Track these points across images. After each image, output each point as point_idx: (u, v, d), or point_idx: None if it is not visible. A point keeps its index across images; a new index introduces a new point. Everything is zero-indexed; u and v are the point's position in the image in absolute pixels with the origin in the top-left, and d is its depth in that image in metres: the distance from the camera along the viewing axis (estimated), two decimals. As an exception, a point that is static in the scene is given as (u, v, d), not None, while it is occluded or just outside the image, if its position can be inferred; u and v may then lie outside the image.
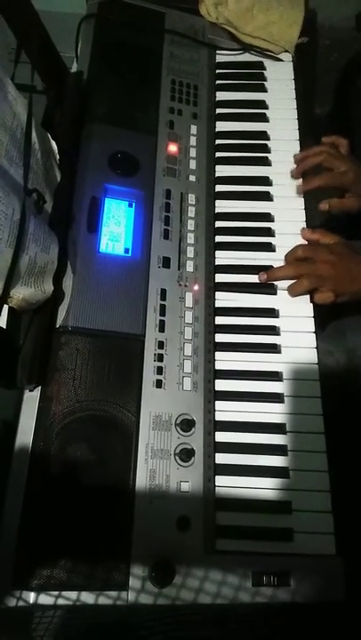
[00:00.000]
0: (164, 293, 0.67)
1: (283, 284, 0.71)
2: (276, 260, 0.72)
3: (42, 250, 0.58)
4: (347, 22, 1.17)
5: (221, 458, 0.61)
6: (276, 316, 0.69)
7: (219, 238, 0.74)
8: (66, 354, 0.61)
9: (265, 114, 0.83)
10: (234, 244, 0.73)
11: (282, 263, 0.72)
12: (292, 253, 0.71)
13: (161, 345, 0.64)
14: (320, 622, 0.61)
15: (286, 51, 0.88)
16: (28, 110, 0.60)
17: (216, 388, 0.65)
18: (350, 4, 1.13)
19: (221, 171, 0.78)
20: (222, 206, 0.76)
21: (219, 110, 0.83)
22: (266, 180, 0.78)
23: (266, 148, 0.80)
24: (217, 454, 0.62)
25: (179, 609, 0.56)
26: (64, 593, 0.52)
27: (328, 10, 1.11)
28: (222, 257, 0.73)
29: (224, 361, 0.66)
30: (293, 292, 0.69)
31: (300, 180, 0.78)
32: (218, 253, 0.73)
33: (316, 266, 0.68)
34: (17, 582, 0.52)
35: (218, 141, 0.80)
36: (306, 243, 0.73)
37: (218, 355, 0.67)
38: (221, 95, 0.84)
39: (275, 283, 0.71)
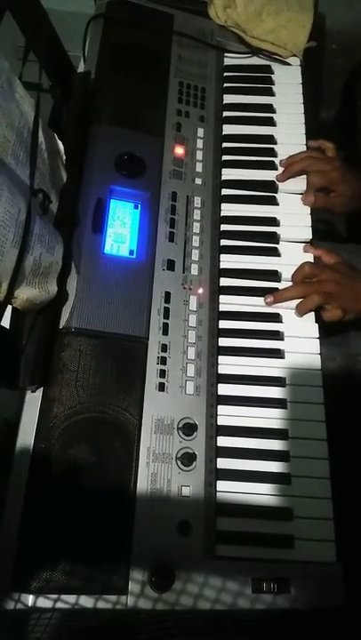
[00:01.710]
0: (168, 296, 0.67)
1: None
2: (280, 264, 0.72)
3: (47, 250, 0.57)
4: (354, 27, 1.17)
5: (223, 463, 0.61)
6: (280, 321, 0.69)
7: (224, 242, 0.73)
8: (69, 355, 0.60)
9: (272, 118, 0.83)
10: (239, 247, 0.73)
11: (286, 268, 0.72)
12: (299, 271, 0.70)
13: (164, 348, 0.64)
14: (319, 629, 0.60)
15: (294, 55, 0.88)
16: (35, 110, 0.60)
17: (219, 393, 0.64)
18: (358, 8, 1.13)
19: (228, 174, 0.78)
20: (228, 210, 0.76)
21: (226, 113, 0.83)
22: (272, 185, 0.77)
23: (273, 152, 0.80)
24: (219, 459, 0.61)
25: (178, 614, 0.56)
26: (63, 596, 0.52)
27: (335, 14, 1.11)
28: (227, 260, 0.72)
29: (227, 365, 0.66)
30: (303, 309, 0.68)
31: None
32: (223, 257, 0.72)
33: (322, 285, 0.68)
34: (16, 585, 0.52)
35: (225, 144, 0.80)
36: (309, 259, 0.72)
37: (221, 359, 0.66)
38: (229, 98, 0.84)
39: (280, 288, 0.70)
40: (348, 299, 0.68)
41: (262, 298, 0.70)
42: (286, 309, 0.70)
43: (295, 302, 0.69)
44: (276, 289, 0.71)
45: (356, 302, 0.68)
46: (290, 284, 0.71)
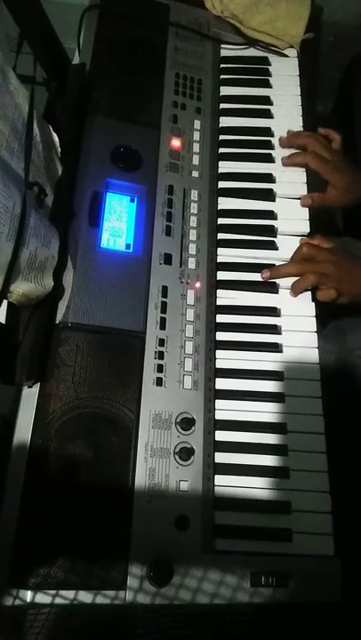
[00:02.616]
0: (165, 290, 0.66)
1: (285, 283, 0.70)
2: (278, 258, 0.72)
3: (42, 244, 0.57)
4: (352, 19, 1.16)
5: (221, 457, 0.61)
6: (278, 315, 0.69)
7: (221, 235, 0.73)
8: (65, 350, 0.60)
9: (269, 110, 0.82)
10: (236, 241, 0.73)
11: (284, 261, 0.71)
12: (297, 251, 0.71)
13: (162, 342, 0.63)
14: (317, 623, 0.61)
15: (292, 46, 0.87)
16: (29, 102, 0.59)
17: (216, 387, 0.64)
18: (355, 0, 1.13)
19: (225, 167, 0.77)
20: (225, 203, 0.75)
21: (223, 105, 0.82)
22: (269, 177, 0.77)
23: (270, 145, 0.79)
24: (217, 453, 0.61)
25: (176, 608, 0.56)
26: (61, 592, 0.52)
27: (332, 6, 1.10)
28: (224, 254, 0.72)
29: (225, 359, 0.66)
30: (298, 287, 0.69)
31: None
32: (220, 251, 0.72)
33: (319, 265, 0.68)
34: (14, 580, 0.51)
35: (221, 137, 0.79)
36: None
37: (219, 353, 0.66)
38: (226, 90, 0.83)
39: (277, 281, 0.70)
40: (344, 281, 0.68)
41: (260, 292, 0.70)
42: (284, 302, 0.69)
43: (294, 301, 0.70)
44: (274, 282, 0.70)
45: (352, 285, 0.69)
46: (287, 280, 0.70)
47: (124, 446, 0.58)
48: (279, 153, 0.79)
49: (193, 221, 0.72)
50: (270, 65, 0.86)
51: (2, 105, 0.55)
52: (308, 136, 0.79)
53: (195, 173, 0.75)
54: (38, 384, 0.59)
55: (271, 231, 0.74)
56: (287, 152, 0.79)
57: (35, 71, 0.62)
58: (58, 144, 0.68)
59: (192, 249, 0.70)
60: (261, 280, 0.70)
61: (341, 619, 0.59)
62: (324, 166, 0.76)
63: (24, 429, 0.57)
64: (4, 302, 0.54)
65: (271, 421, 0.63)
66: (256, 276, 0.71)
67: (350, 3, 1.13)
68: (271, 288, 0.70)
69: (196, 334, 0.65)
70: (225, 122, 0.81)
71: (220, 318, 0.68)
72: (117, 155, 0.71)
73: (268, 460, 0.61)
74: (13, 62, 0.60)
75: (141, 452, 0.58)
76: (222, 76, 0.84)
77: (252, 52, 0.87)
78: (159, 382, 0.62)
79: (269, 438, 0.62)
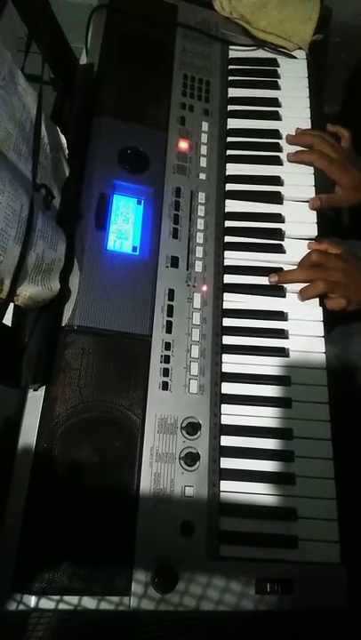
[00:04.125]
0: (171, 294, 0.66)
1: (292, 287, 0.70)
2: (285, 262, 0.71)
3: (49, 247, 0.56)
4: (358, 20, 1.15)
5: (227, 462, 0.61)
6: (285, 319, 0.69)
7: (228, 238, 0.72)
8: (71, 353, 0.60)
9: (278, 112, 0.81)
10: (243, 244, 0.72)
11: (292, 267, 0.71)
12: (306, 258, 0.70)
13: (168, 346, 0.63)
14: (323, 631, 0.60)
15: (300, 48, 0.87)
16: (37, 102, 0.59)
17: (223, 392, 0.64)
18: (362, 1, 1.12)
19: (232, 169, 0.77)
20: (232, 206, 0.74)
21: (231, 107, 0.81)
22: (277, 180, 0.76)
23: (278, 147, 0.79)
24: (222, 459, 0.61)
25: (180, 615, 0.56)
26: (65, 597, 0.51)
27: (339, 7, 1.09)
28: (231, 257, 0.71)
29: (231, 364, 0.65)
30: (306, 294, 0.68)
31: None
32: (227, 254, 0.71)
33: (328, 272, 0.68)
34: (18, 585, 0.51)
35: (229, 139, 0.79)
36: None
37: (225, 357, 0.66)
38: (234, 92, 0.83)
39: (284, 285, 0.70)
40: (353, 289, 0.68)
41: (267, 296, 0.69)
42: (291, 306, 0.69)
43: (301, 305, 0.69)
44: (281, 286, 0.70)
45: (360, 292, 0.68)
46: (294, 284, 0.70)
47: (129, 451, 0.57)
48: (289, 135, 0.79)
49: (200, 224, 0.71)
50: (279, 66, 0.85)
51: (10, 106, 0.55)
52: (315, 135, 0.78)
53: (202, 175, 0.75)
54: (44, 387, 0.58)
55: (279, 234, 0.73)
56: (294, 149, 0.78)
57: (43, 71, 0.62)
58: (65, 145, 0.68)
59: (199, 252, 0.70)
60: (269, 284, 0.70)
61: (347, 627, 0.59)
62: (330, 165, 0.75)
63: (29, 433, 0.56)
64: (11, 305, 0.54)
65: (278, 427, 0.63)
66: (263, 280, 0.70)
67: (358, 4, 1.12)
68: (278, 292, 0.70)
69: (203, 338, 0.65)
70: (233, 124, 0.80)
71: (227, 322, 0.68)
72: (124, 156, 0.70)
73: (275, 466, 0.61)
74: (21, 62, 0.60)
75: (147, 457, 0.58)
76: (230, 78, 0.84)
77: (260, 53, 0.87)
78: (165, 386, 0.61)
79: (276, 444, 0.62)
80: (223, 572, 0.55)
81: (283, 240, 0.73)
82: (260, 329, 0.68)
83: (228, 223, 0.73)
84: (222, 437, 0.62)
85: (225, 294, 0.69)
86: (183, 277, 0.67)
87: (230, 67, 0.85)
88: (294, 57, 0.87)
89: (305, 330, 0.68)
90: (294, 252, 0.72)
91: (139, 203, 0.70)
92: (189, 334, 0.65)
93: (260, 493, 0.60)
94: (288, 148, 0.79)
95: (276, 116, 0.81)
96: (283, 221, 0.74)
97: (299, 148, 0.78)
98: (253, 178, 0.76)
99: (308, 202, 0.75)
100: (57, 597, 0.51)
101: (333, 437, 0.62)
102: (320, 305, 0.69)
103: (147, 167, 0.71)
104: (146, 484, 0.56)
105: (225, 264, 0.71)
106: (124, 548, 0.54)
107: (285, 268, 0.71)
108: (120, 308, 0.63)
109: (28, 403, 0.58)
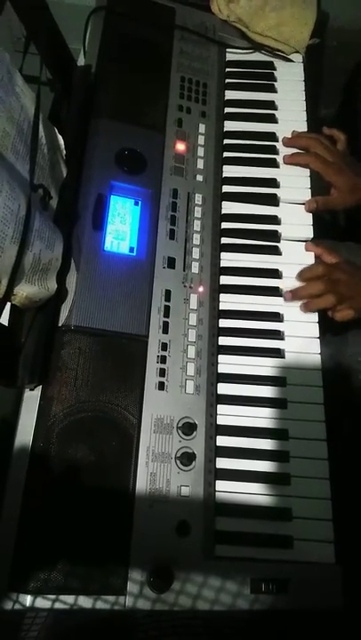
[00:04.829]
0: (168, 294, 0.66)
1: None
2: (281, 263, 0.72)
3: (46, 247, 0.56)
4: (355, 24, 1.16)
5: (222, 463, 0.61)
6: (281, 321, 0.69)
7: (225, 240, 0.73)
8: (68, 353, 0.60)
9: (274, 115, 0.82)
10: (240, 246, 0.73)
11: (287, 266, 0.71)
12: (313, 271, 0.70)
13: (164, 347, 0.63)
14: (318, 630, 0.60)
15: (297, 51, 0.87)
16: (35, 103, 0.59)
17: (219, 392, 0.64)
18: (359, 5, 1.12)
19: (229, 171, 0.77)
20: (229, 207, 0.75)
21: (228, 109, 0.82)
22: (274, 182, 0.77)
23: (274, 150, 0.79)
24: (218, 459, 0.61)
25: (176, 614, 0.56)
26: (61, 597, 0.51)
27: (336, 11, 1.10)
28: (228, 259, 0.72)
29: (227, 364, 0.66)
30: (314, 306, 0.69)
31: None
32: (223, 255, 0.72)
33: (335, 285, 0.68)
34: (14, 585, 0.51)
35: (226, 141, 0.79)
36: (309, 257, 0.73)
37: (221, 358, 0.66)
38: (231, 94, 0.83)
39: (280, 287, 0.70)
40: (357, 298, 0.69)
41: (263, 296, 0.69)
42: (287, 307, 0.69)
43: (297, 307, 0.70)
44: (277, 288, 0.70)
45: None
46: (290, 282, 0.70)
47: (125, 450, 0.58)
48: (285, 137, 0.79)
49: (197, 225, 0.72)
50: (276, 70, 0.86)
51: (8, 107, 0.55)
52: (311, 138, 0.79)
53: (199, 177, 0.75)
54: (40, 387, 0.58)
55: (275, 236, 0.73)
56: (290, 152, 0.79)
57: (41, 72, 0.62)
58: (63, 146, 0.68)
59: (196, 253, 0.70)
60: (265, 286, 0.70)
61: (342, 627, 0.59)
62: (326, 168, 0.76)
63: (25, 432, 0.56)
64: (8, 305, 0.54)
65: (273, 427, 0.63)
66: (259, 281, 0.70)
67: (354, 8, 1.13)
68: (274, 293, 0.70)
69: (199, 339, 0.65)
70: (230, 126, 0.81)
71: (223, 323, 0.68)
72: (122, 157, 0.71)
73: (270, 467, 0.61)
74: (19, 63, 0.60)
75: (143, 457, 0.58)
76: (228, 80, 0.84)
77: (257, 56, 0.87)
78: (161, 386, 0.61)
79: (271, 444, 0.62)
80: (219, 571, 0.55)
81: (279, 242, 0.73)
82: (256, 330, 0.68)
83: (224, 225, 0.74)
84: (218, 437, 0.62)
85: (221, 295, 0.69)
86: (180, 278, 0.68)
87: (227, 69, 0.85)
88: (291, 60, 0.87)
89: (300, 331, 0.68)
90: (290, 253, 0.73)
91: (136, 204, 0.70)
92: (186, 335, 0.65)
93: (256, 493, 0.60)
94: (284, 151, 0.79)
95: (272, 119, 0.82)
96: (279, 223, 0.74)
97: (295, 151, 0.79)
98: (250, 180, 0.77)
99: (304, 204, 0.75)
100: (53, 596, 0.51)
101: (328, 438, 0.63)
102: (320, 316, 0.69)
103: (144, 168, 0.72)
104: (142, 483, 0.57)
105: (221, 265, 0.71)
106: (120, 548, 0.54)
107: (281, 268, 0.71)
108: (117, 308, 0.63)
109: (24, 402, 0.59)
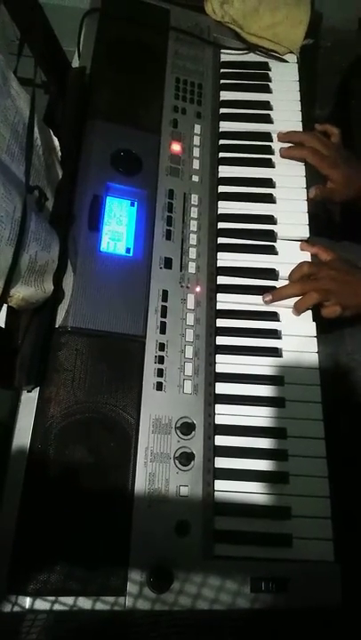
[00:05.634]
0: (165, 294, 0.66)
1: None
2: (278, 262, 0.72)
3: (42, 248, 0.56)
4: (349, 24, 1.17)
5: (221, 462, 0.61)
6: (278, 320, 0.69)
7: (221, 240, 0.73)
8: (65, 354, 0.60)
9: (269, 115, 0.82)
10: (236, 245, 0.73)
11: (284, 266, 0.71)
12: (298, 270, 0.70)
13: (162, 347, 0.63)
14: (317, 629, 0.60)
15: (291, 52, 0.88)
16: (30, 105, 0.59)
17: (217, 392, 0.64)
18: (353, 6, 1.13)
19: (225, 171, 0.78)
20: (225, 207, 0.75)
21: (223, 110, 0.82)
22: (269, 182, 0.77)
23: (270, 150, 0.79)
24: (217, 458, 0.61)
25: (176, 614, 0.56)
26: (60, 598, 0.51)
27: (330, 11, 1.11)
28: (225, 259, 0.72)
29: (225, 364, 0.66)
30: (301, 306, 0.68)
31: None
32: (220, 255, 0.72)
33: (320, 282, 0.68)
34: (12, 587, 0.51)
35: (221, 141, 0.80)
36: (306, 257, 0.73)
37: (219, 357, 0.66)
38: (226, 95, 0.83)
39: (277, 286, 0.70)
40: (347, 294, 0.68)
41: (260, 296, 0.70)
42: (284, 308, 0.70)
43: (293, 301, 0.69)
44: (274, 287, 0.70)
45: (355, 297, 0.68)
46: (287, 282, 0.70)
47: (123, 451, 0.58)
48: (279, 158, 0.79)
49: (193, 225, 0.72)
50: (270, 70, 0.86)
51: (2, 109, 0.55)
52: (306, 134, 0.79)
53: (195, 178, 0.75)
54: (38, 388, 0.58)
55: (271, 236, 0.74)
56: (287, 160, 0.79)
57: (35, 74, 0.62)
58: (58, 148, 0.68)
59: (192, 253, 0.70)
60: (262, 285, 0.70)
61: (341, 625, 0.59)
62: (322, 162, 0.76)
63: (23, 434, 0.56)
64: (4, 306, 0.54)
65: (271, 426, 0.63)
66: (256, 281, 0.71)
67: (348, 8, 1.14)
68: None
69: (197, 338, 0.65)
70: (225, 126, 0.81)
71: (220, 322, 0.68)
72: (118, 159, 0.71)
73: (268, 465, 0.61)
74: (14, 66, 0.60)
75: (141, 457, 0.58)
76: (222, 81, 0.85)
77: (252, 57, 0.88)
78: (159, 387, 0.61)
79: (269, 443, 0.62)
80: (218, 570, 0.55)
81: (275, 241, 0.74)
82: (254, 329, 0.68)
83: (220, 225, 0.74)
84: (216, 437, 0.62)
85: (218, 295, 0.69)
86: (177, 278, 0.68)
87: (222, 70, 0.86)
88: (285, 61, 0.88)
89: (298, 330, 0.69)
90: (287, 253, 0.73)
91: (132, 204, 0.70)
92: (183, 335, 0.65)
93: (255, 492, 0.60)
94: (280, 151, 0.79)
95: (267, 119, 0.82)
96: (275, 223, 0.75)
97: (291, 145, 0.79)
98: (246, 180, 0.77)
99: (299, 202, 0.76)
100: (52, 598, 0.51)
101: (326, 436, 0.63)
102: (313, 316, 0.69)
103: (140, 169, 0.72)
104: (141, 483, 0.57)
105: (218, 265, 0.71)
106: (120, 548, 0.54)
107: (277, 268, 0.71)
108: (114, 308, 0.63)
109: (22, 404, 0.59)
